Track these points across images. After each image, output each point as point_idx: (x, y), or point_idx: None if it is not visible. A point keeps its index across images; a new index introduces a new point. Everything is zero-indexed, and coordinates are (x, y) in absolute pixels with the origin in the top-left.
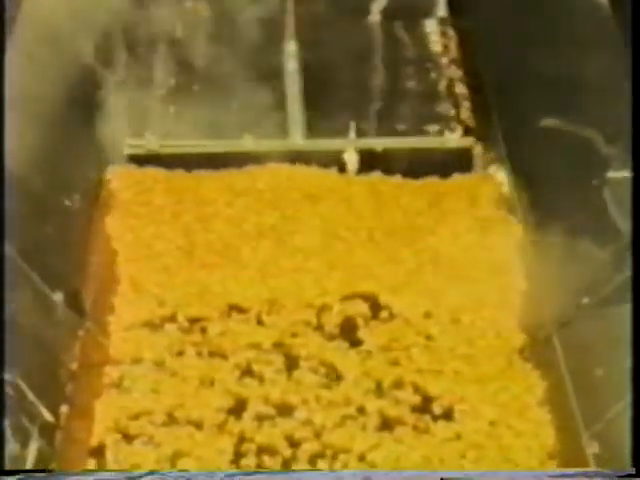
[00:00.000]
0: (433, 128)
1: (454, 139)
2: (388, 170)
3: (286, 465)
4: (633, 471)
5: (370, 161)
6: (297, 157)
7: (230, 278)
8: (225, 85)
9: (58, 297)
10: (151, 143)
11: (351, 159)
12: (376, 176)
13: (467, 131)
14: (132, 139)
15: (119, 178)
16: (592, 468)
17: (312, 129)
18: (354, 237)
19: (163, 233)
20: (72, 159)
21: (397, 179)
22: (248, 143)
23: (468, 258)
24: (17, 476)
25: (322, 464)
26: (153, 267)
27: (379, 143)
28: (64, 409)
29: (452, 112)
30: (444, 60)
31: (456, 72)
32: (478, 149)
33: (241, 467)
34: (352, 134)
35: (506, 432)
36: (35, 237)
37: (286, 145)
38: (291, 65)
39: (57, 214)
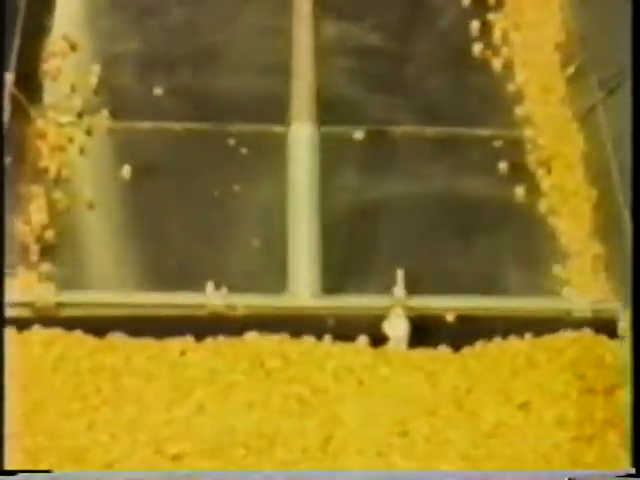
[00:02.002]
0: None
1: (583, 301)
2: (460, 347)
3: None
4: (633, 471)
5: (430, 333)
6: (302, 325)
7: None
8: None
9: None
10: (43, 297)
11: (397, 329)
12: (442, 353)
13: None
14: (12, 293)
15: None
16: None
17: (329, 278)
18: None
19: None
20: None
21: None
22: (214, 298)
23: None
24: (17, 476)
25: None
26: None
27: (446, 304)
28: None
29: None
30: None
31: None
32: None
33: None
34: (399, 290)
35: None
36: None
37: (284, 304)
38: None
39: None
